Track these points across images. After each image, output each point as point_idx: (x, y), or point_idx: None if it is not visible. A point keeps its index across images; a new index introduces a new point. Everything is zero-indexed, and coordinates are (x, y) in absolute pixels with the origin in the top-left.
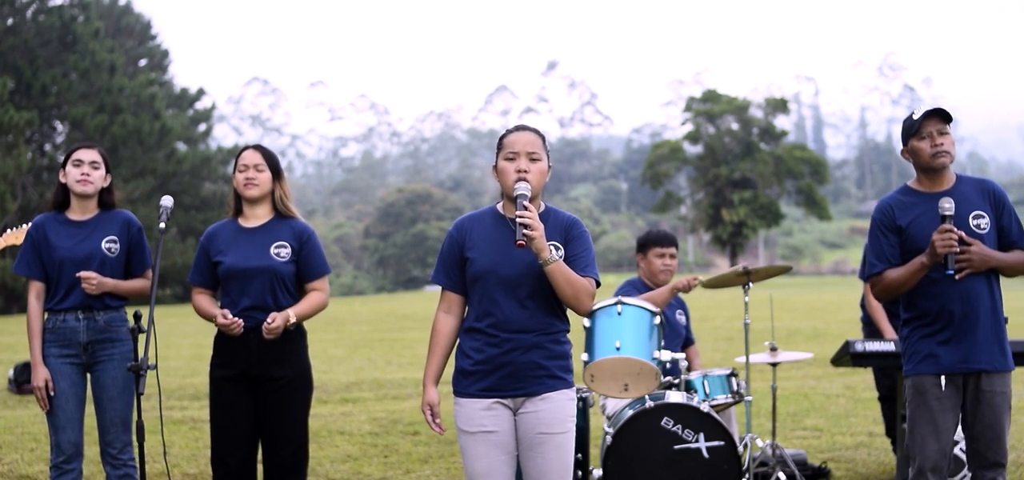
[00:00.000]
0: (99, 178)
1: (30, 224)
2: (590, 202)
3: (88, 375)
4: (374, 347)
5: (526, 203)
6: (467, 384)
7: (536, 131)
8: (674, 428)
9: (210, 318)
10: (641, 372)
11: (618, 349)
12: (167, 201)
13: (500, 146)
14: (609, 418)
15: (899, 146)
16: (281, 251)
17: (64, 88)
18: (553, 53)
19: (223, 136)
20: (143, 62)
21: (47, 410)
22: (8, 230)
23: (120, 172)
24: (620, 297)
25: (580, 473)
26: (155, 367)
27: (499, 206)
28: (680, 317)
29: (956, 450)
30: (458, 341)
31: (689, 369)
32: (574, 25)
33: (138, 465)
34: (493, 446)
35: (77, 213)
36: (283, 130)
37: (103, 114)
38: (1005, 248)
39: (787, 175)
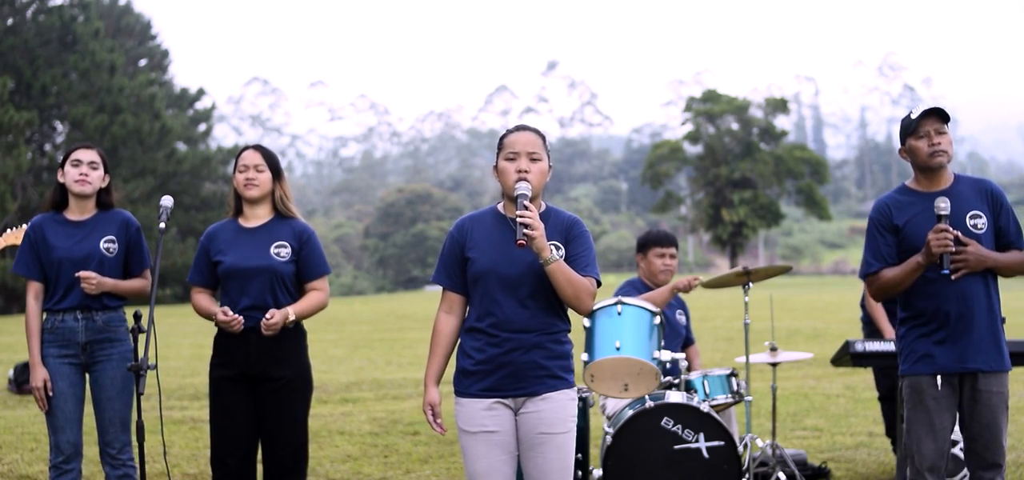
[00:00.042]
0: (97, 178)
1: (28, 224)
2: (590, 202)
3: (87, 375)
4: (374, 347)
5: (526, 203)
6: (468, 384)
7: (536, 131)
8: (674, 428)
9: (210, 316)
10: (641, 372)
11: (618, 349)
12: (167, 201)
13: (501, 146)
14: (609, 418)
15: (899, 146)
16: (281, 251)
17: (64, 88)
18: (553, 53)
19: (223, 136)
20: (143, 62)
21: (46, 410)
22: (8, 230)
23: (120, 172)
24: (620, 297)
25: (580, 473)
26: (155, 367)
27: (500, 206)
28: (680, 317)
29: (955, 450)
30: (459, 341)
31: (689, 369)
32: (574, 25)
33: (138, 465)
34: (494, 446)
35: (75, 213)
36: (283, 130)
37: (103, 114)
38: (1003, 248)
39: (787, 175)
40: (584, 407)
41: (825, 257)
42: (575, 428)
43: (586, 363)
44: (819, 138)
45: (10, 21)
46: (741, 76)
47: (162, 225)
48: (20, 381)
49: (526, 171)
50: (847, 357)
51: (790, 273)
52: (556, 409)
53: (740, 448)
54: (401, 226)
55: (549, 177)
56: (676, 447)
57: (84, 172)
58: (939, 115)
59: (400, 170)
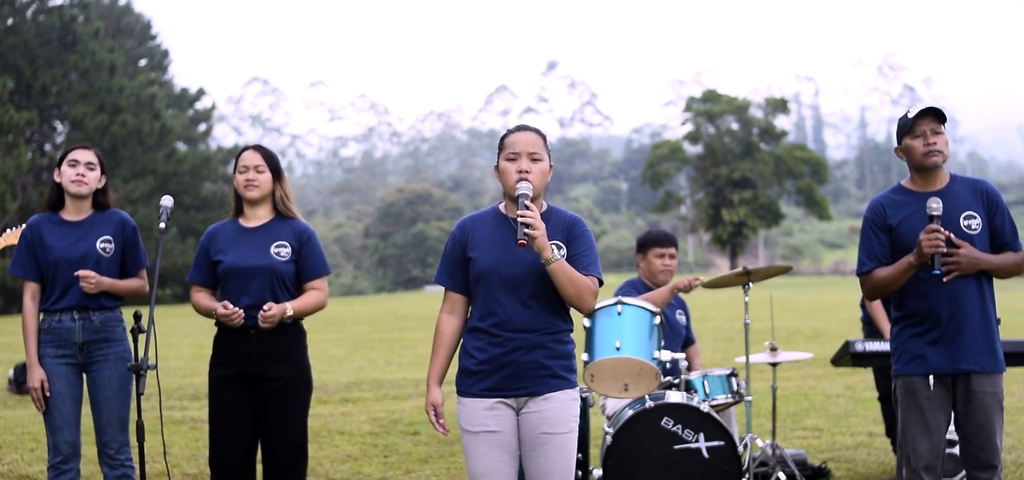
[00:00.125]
0: (94, 179)
1: (24, 225)
2: (590, 202)
3: (84, 375)
4: (374, 347)
5: (527, 203)
6: (470, 384)
7: (537, 131)
8: (674, 428)
9: (209, 313)
10: (641, 372)
11: (618, 349)
12: (167, 201)
13: (501, 146)
14: (609, 418)
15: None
16: (281, 250)
17: (64, 88)
18: (553, 53)
19: (223, 136)
20: (143, 62)
21: (43, 410)
22: (7, 230)
23: (120, 172)
24: (620, 297)
25: (580, 473)
26: (155, 367)
27: (501, 206)
28: (680, 317)
29: (954, 450)
30: (462, 341)
31: (689, 369)
32: (574, 25)
33: (138, 465)
34: (496, 446)
35: (71, 213)
36: (283, 130)
37: (103, 114)
38: (998, 249)
39: (787, 175)
40: (584, 407)
41: (825, 257)
42: (577, 428)
43: (586, 363)
44: (819, 138)
45: (10, 21)
46: (741, 76)
47: (162, 225)
48: (20, 381)
49: (527, 171)
50: (847, 357)
51: (790, 273)
52: (558, 409)
53: (740, 448)
54: (401, 226)
55: (550, 177)
56: (676, 447)
57: (81, 172)
58: (935, 115)
59: (400, 170)
